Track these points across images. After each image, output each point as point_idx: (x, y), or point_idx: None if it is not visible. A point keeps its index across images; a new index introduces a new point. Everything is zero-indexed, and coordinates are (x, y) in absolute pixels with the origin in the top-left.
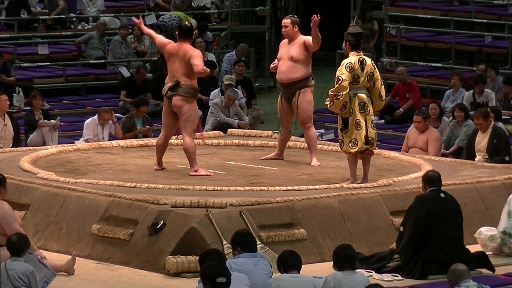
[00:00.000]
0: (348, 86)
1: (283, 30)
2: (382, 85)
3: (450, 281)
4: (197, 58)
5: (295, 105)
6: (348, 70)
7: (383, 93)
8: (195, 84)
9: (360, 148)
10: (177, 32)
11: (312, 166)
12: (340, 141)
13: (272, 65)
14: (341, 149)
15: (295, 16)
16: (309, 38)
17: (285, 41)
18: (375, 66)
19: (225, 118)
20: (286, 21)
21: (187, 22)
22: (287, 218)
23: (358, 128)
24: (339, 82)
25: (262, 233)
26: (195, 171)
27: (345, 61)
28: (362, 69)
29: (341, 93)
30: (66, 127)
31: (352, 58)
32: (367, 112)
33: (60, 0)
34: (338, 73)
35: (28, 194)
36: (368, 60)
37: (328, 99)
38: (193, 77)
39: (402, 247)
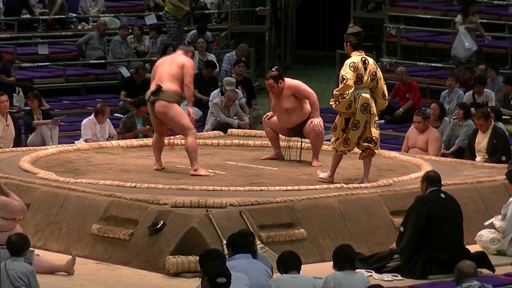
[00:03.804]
0: (353, 85)
1: (270, 90)
2: (384, 84)
3: (455, 278)
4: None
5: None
6: (352, 69)
7: (386, 92)
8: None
9: (350, 148)
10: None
11: (313, 166)
12: (336, 138)
13: (265, 118)
14: (333, 145)
15: (273, 69)
16: (295, 85)
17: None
18: (377, 66)
19: (225, 118)
20: (269, 81)
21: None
22: (287, 218)
23: (354, 129)
24: (344, 81)
25: (262, 233)
26: (195, 170)
27: (348, 61)
28: (365, 69)
29: (347, 92)
30: (66, 127)
31: (355, 58)
32: (371, 112)
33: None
34: (342, 72)
35: (28, 194)
36: (371, 60)
37: (333, 99)
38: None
39: (402, 247)
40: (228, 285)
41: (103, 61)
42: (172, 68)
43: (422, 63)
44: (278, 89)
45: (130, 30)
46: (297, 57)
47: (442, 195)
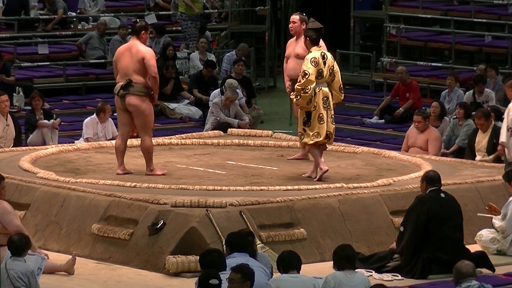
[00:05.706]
0: (315, 80)
1: (290, 25)
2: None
3: (454, 278)
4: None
5: None
6: (313, 64)
7: (342, 86)
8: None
9: (320, 141)
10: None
11: None
12: (300, 134)
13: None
14: (300, 142)
15: (304, 14)
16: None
17: (292, 40)
18: (334, 60)
19: (225, 118)
20: (295, 17)
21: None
22: (287, 218)
23: (321, 122)
24: (306, 76)
25: (262, 233)
26: (151, 170)
27: (309, 56)
28: (324, 63)
29: (309, 87)
30: (66, 127)
31: (315, 53)
32: (328, 107)
33: (60, 4)
34: (304, 67)
35: (28, 194)
36: (329, 55)
37: (294, 93)
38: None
39: (402, 247)
40: (220, 286)
41: (103, 60)
42: (134, 65)
43: (422, 63)
44: (298, 28)
45: (130, 30)
46: None
47: (442, 195)
